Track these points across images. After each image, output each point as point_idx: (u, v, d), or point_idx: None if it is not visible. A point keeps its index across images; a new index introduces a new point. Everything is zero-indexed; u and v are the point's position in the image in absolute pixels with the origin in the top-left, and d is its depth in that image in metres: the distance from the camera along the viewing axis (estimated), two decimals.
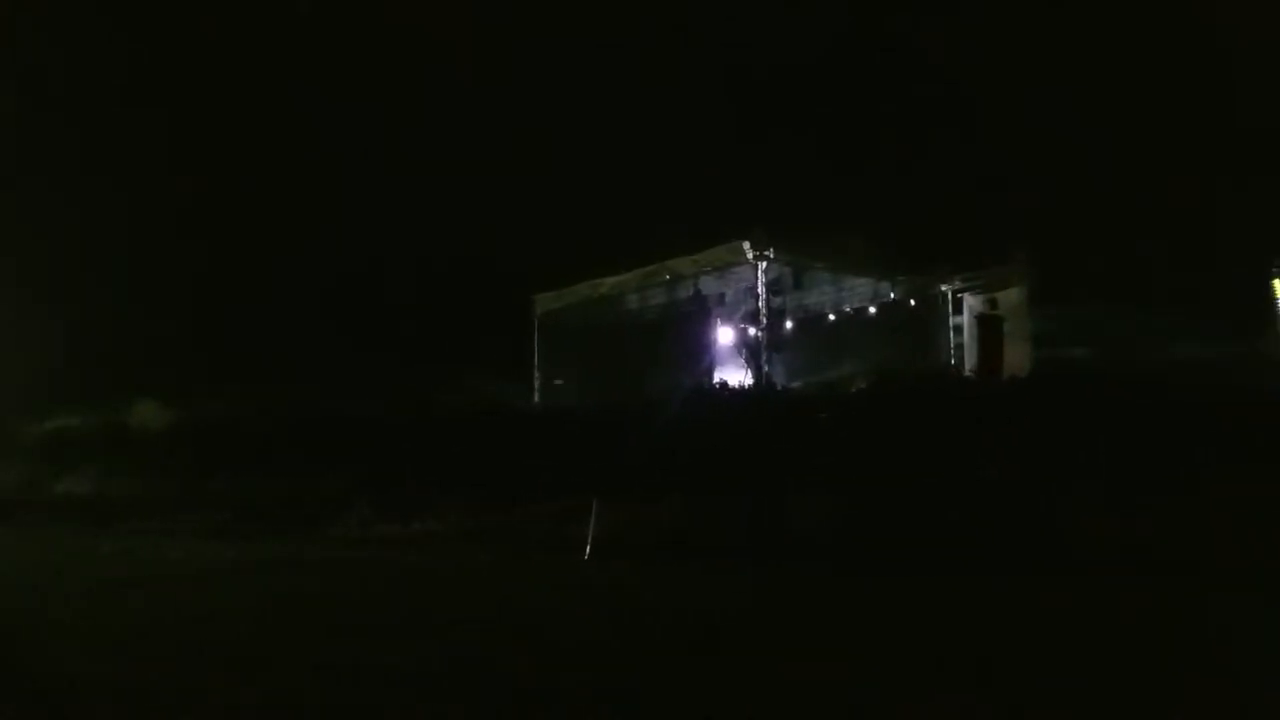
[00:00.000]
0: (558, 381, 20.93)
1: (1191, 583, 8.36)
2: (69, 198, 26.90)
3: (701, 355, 19.21)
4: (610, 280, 19.95)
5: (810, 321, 20.07)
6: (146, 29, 28.12)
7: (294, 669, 6.11)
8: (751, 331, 18.57)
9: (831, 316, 20.23)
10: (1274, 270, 15.97)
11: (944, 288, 19.71)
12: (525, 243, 25.03)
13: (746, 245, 17.53)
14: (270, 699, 5.39)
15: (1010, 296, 19.07)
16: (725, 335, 19.80)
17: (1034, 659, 6.06)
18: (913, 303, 19.78)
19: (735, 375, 18.53)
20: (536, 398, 21.03)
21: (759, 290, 17.75)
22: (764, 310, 17.77)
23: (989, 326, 19.22)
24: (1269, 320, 15.84)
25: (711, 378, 18.44)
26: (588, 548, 12.51)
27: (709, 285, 19.49)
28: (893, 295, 19.85)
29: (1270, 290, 15.88)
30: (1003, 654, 6.21)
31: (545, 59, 27.77)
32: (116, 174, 27.85)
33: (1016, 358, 18.56)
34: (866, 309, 19.96)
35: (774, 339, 18.19)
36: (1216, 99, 21.13)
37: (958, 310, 19.82)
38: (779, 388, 17.07)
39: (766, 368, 17.75)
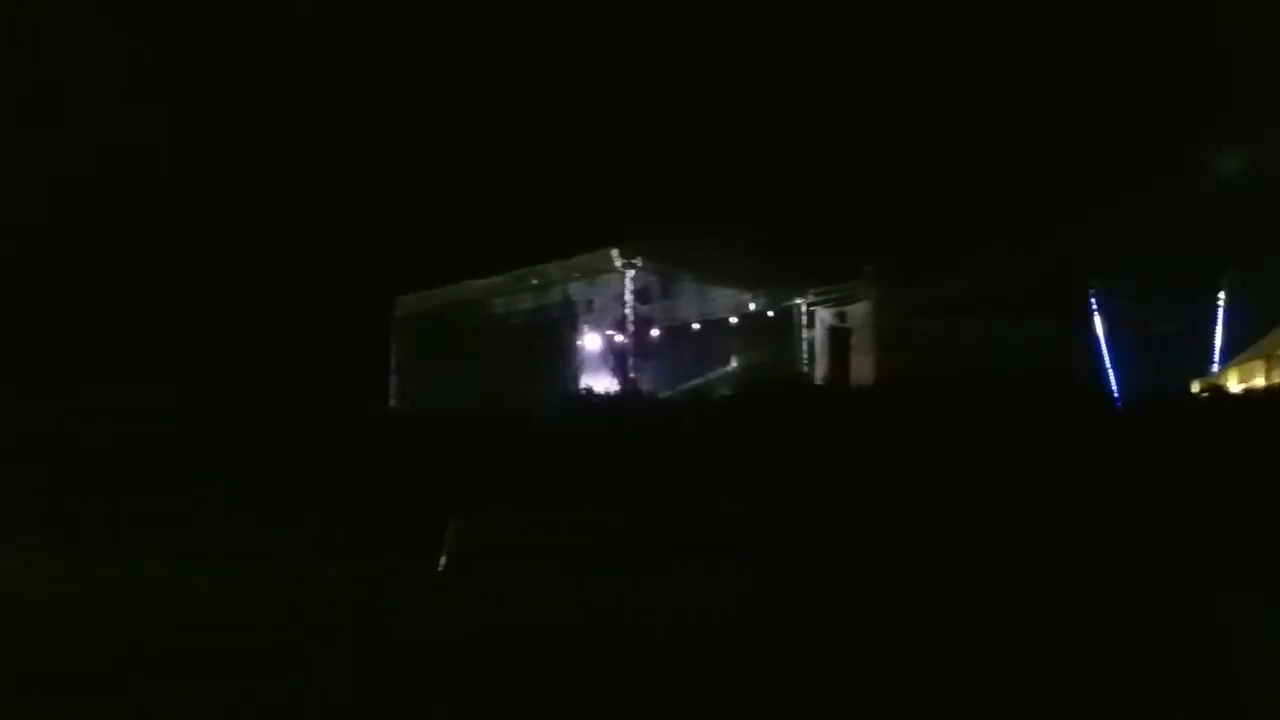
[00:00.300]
0: (417, 386, 20.45)
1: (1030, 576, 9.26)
2: None
3: (569, 361, 19.36)
4: (478, 283, 19.76)
5: (676, 330, 20.62)
6: None
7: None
8: (618, 339, 18.91)
9: (696, 325, 20.89)
10: (1093, 287, 18.04)
11: (799, 301, 20.80)
12: (388, 244, 24.25)
13: (615, 253, 17.87)
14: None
15: (858, 310, 20.44)
16: (593, 342, 20.03)
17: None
18: (771, 314, 20.75)
19: (602, 382, 18.80)
20: (392, 403, 20.47)
21: (626, 298, 18.11)
22: (631, 318, 18.15)
23: (838, 338, 20.53)
24: (1089, 332, 17.91)
25: (578, 384, 18.63)
26: (443, 559, 12.37)
27: (578, 292, 19.67)
28: (753, 307, 20.73)
29: (1091, 303, 17.99)
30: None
31: (410, 56, 27.03)
32: None
33: (863, 368, 19.92)
34: (729, 319, 20.74)
35: (640, 347, 18.59)
36: (1048, 122, 23.30)
37: (811, 322, 20.98)
38: (645, 395, 17.47)
39: (633, 375, 18.13)
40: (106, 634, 7.55)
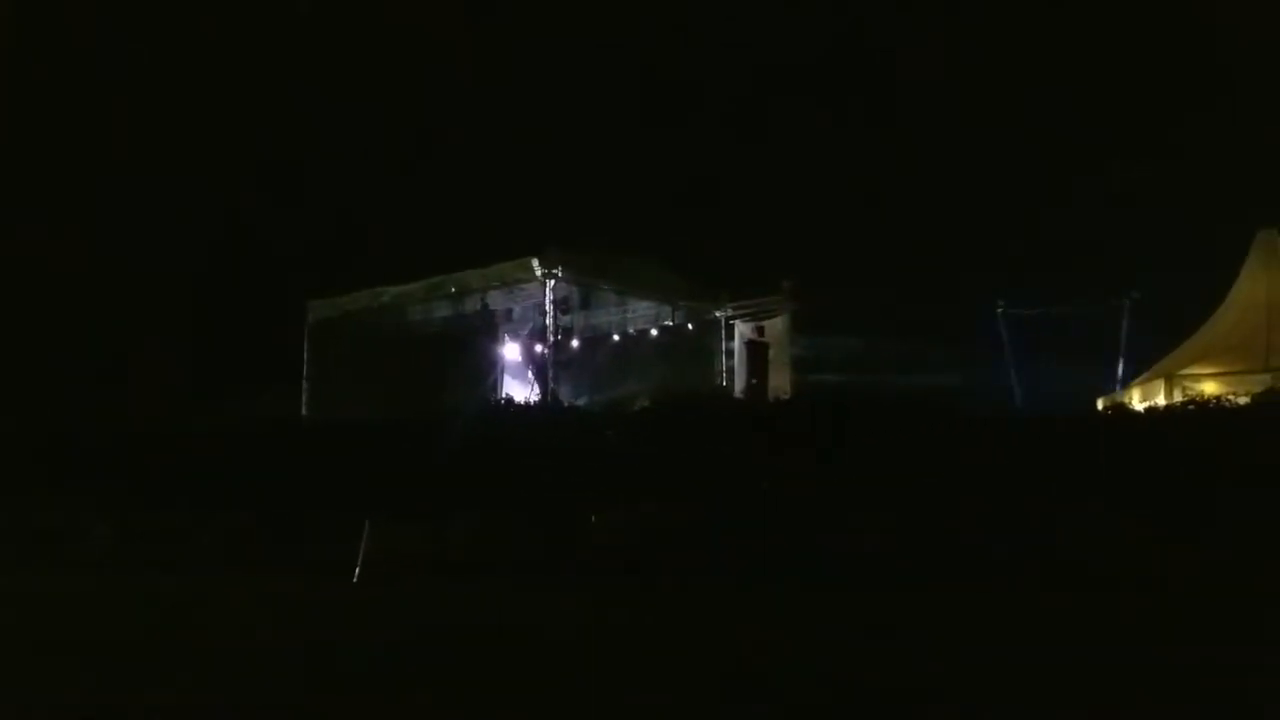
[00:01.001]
0: (330, 393, 19.79)
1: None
2: None
3: (488, 370, 19.04)
4: (393, 289, 19.30)
5: (596, 341, 20.54)
6: None
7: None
8: (538, 348, 18.70)
9: (616, 337, 20.85)
10: (999, 308, 18.77)
11: (719, 314, 21.02)
12: (300, 248, 23.50)
13: (535, 262, 17.70)
14: None
15: (776, 325, 20.78)
16: (512, 351, 19.77)
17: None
18: (690, 327, 20.90)
19: (521, 391, 18.54)
20: (304, 410, 19.77)
21: (546, 307, 17.94)
22: (551, 328, 17.98)
23: (756, 352, 20.82)
24: (996, 351, 18.62)
25: (497, 393, 18.32)
26: (357, 570, 11.99)
27: (497, 300, 19.40)
28: (673, 319, 20.84)
29: (998, 324, 18.72)
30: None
31: (331, 55, 26.40)
32: None
33: (780, 380, 20.23)
34: (649, 331, 20.79)
35: (560, 357, 18.43)
36: (961, 141, 24.35)
37: (730, 336, 21.22)
38: (565, 405, 17.30)
39: (553, 385, 17.94)
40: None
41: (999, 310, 19.14)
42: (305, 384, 20.36)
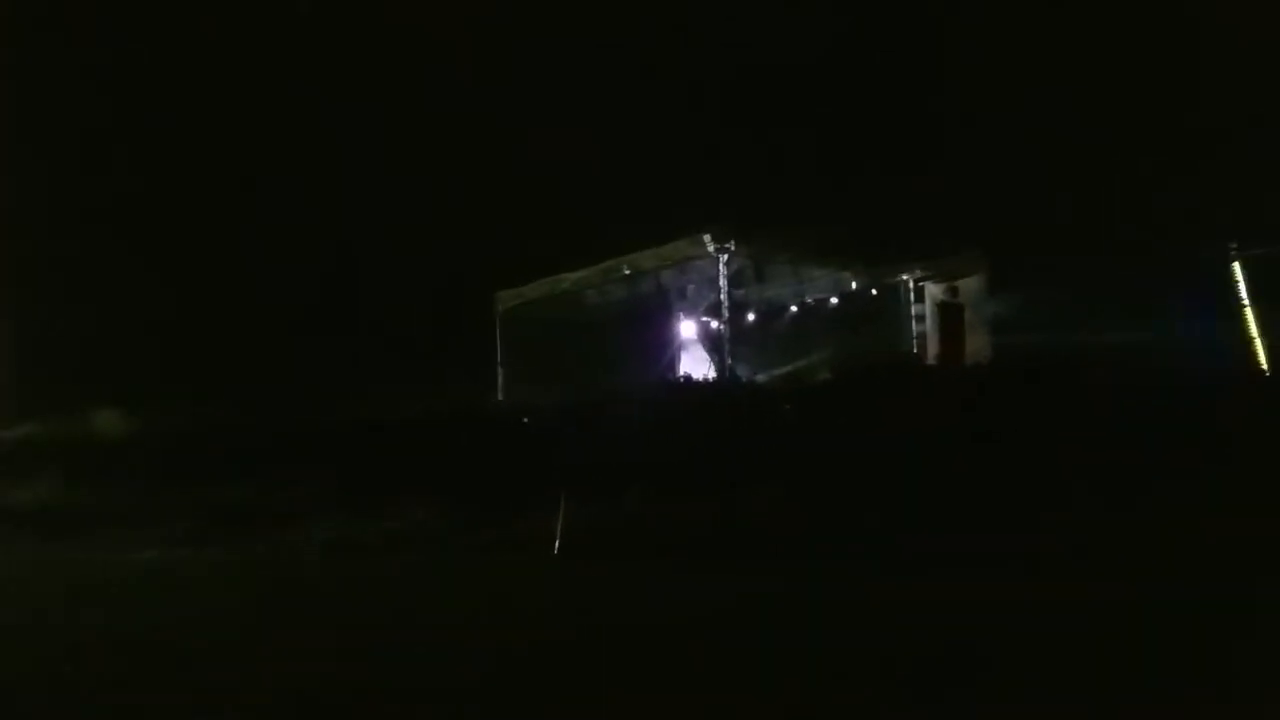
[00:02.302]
0: (520, 379, 20.67)
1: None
2: (23, 200, 25.96)
3: (664, 350, 19.09)
4: (571, 276, 19.73)
5: (773, 314, 20.02)
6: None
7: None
8: (714, 325, 18.46)
9: (794, 308, 20.20)
10: (1232, 252, 16.13)
11: (905, 277, 19.78)
12: (486, 240, 24.64)
13: (708, 238, 17.41)
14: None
15: (970, 284, 19.25)
16: (688, 329, 19.69)
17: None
18: (874, 292, 19.83)
19: (698, 369, 18.43)
20: (500, 396, 20.75)
21: (721, 283, 17.63)
22: (726, 303, 17.66)
23: (949, 315, 19.40)
24: (1230, 303, 16.01)
25: (674, 372, 18.33)
26: (556, 544, 12.32)
27: (671, 279, 19.36)
28: (854, 286, 19.86)
29: (1230, 273, 16.04)
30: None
31: (499, 53, 27.38)
32: (69, 175, 26.98)
33: (978, 344, 18.74)
34: (829, 300, 19.95)
35: (736, 332, 18.10)
36: (1168, 85, 21.39)
37: (919, 299, 19.92)
38: (743, 381, 16.98)
39: (729, 361, 17.65)
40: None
41: (1233, 255, 16.35)
42: (500, 370, 21.34)
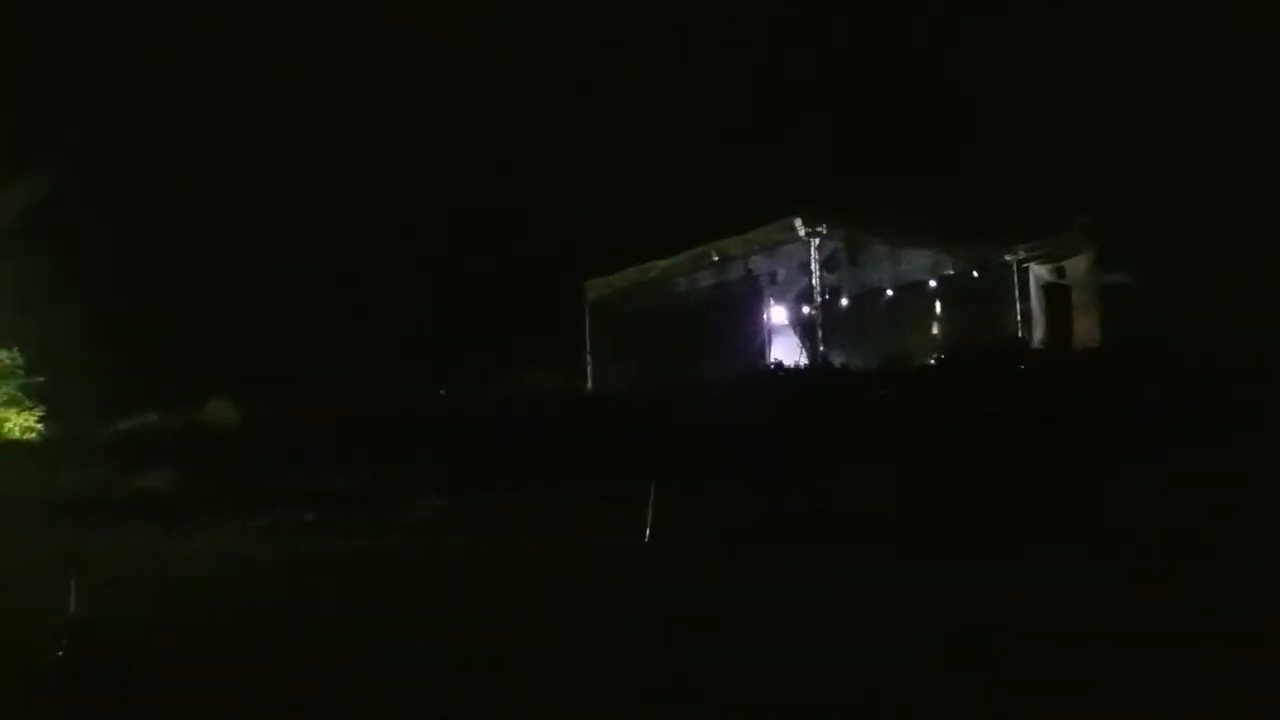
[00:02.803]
0: (611, 367, 20.73)
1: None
2: (133, 201, 27.65)
3: (754, 336, 18.81)
4: (660, 263, 19.64)
5: (867, 298, 19.45)
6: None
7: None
8: (805, 310, 18.09)
9: (889, 292, 19.57)
10: None
11: (1008, 258, 18.91)
12: (574, 229, 24.86)
13: (798, 222, 17.02)
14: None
15: (1077, 265, 18.25)
16: (778, 315, 19.35)
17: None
18: (975, 274, 19.02)
19: (790, 355, 18.10)
20: (589, 384, 20.89)
21: (812, 268, 17.24)
22: (818, 288, 17.27)
23: (1056, 296, 18.44)
24: None
25: (765, 358, 18.05)
26: (647, 531, 12.32)
27: (760, 265, 19.03)
28: (954, 268, 19.09)
29: None
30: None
31: (588, 42, 27.49)
32: (174, 177, 28.55)
33: (1086, 328, 17.77)
34: (926, 283, 19.24)
35: (829, 318, 17.68)
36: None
37: (1023, 281, 19.02)
38: (836, 366, 16.59)
39: (822, 347, 17.27)
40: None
41: None
42: (589, 359, 21.49)
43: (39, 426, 23.61)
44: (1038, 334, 18.45)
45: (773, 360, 17.69)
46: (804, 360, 17.33)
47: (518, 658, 5.91)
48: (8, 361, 23.07)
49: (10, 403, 23.15)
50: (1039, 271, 18.78)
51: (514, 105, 27.31)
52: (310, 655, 6.35)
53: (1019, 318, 18.87)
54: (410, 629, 7.00)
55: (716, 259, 18.80)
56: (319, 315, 27.22)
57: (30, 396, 23.76)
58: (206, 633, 7.23)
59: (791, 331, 18.94)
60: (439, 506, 15.43)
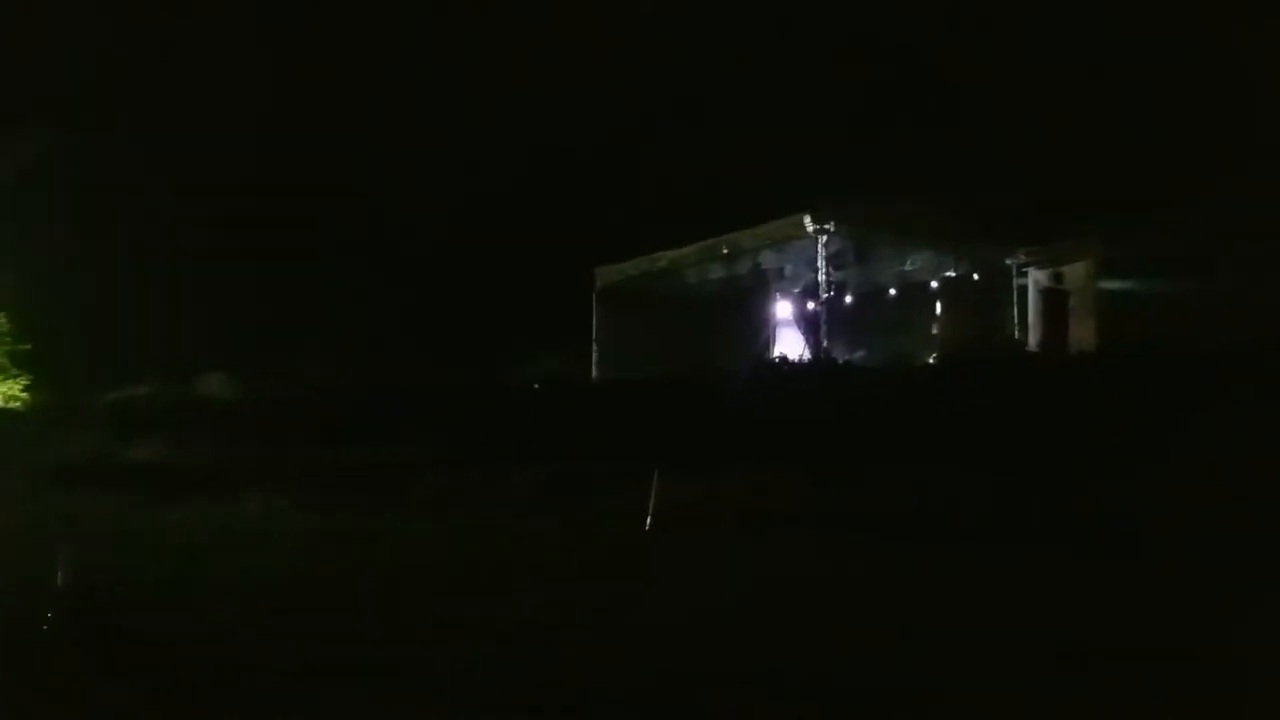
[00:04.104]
0: (616, 355, 21.05)
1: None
2: (133, 169, 27.62)
3: (760, 330, 19.20)
4: (669, 254, 19.98)
5: (872, 295, 19.88)
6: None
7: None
8: (811, 306, 18.52)
9: (893, 290, 20.00)
10: None
11: (1009, 261, 19.39)
12: (585, 217, 25.15)
13: (807, 219, 17.42)
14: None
15: (1076, 271, 18.73)
16: (785, 309, 19.73)
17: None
18: (976, 277, 19.50)
19: (794, 350, 18.52)
20: (593, 371, 21.22)
21: (819, 264, 17.66)
22: (824, 284, 17.69)
23: (1053, 301, 18.92)
24: None
25: (770, 352, 18.46)
26: (649, 519, 12.72)
27: (769, 259, 19.40)
28: (956, 269, 19.57)
29: None
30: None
31: (604, 34, 27.72)
32: (184, 148, 28.63)
33: (1082, 332, 18.25)
34: (929, 283, 19.70)
35: (833, 314, 18.12)
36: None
37: (1022, 285, 19.51)
38: (839, 362, 17.03)
39: (826, 342, 17.71)
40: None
41: None
42: (595, 346, 21.80)
43: (24, 395, 23.23)
44: (1034, 337, 18.93)
45: (778, 354, 18.09)
46: (808, 355, 17.77)
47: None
48: None
49: None
50: (1038, 276, 19.27)
51: (529, 91, 27.52)
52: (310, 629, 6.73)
53: (1016, 321, 19.38)
54: (386, 605, 7.46)
55: (726, 252, 19.18)
56: (323, 295, 27.36)
57: (17, 364, 23.36)
58: (195, 601, 7.60)
59: (797, 326, 19.34)
60: (443, 487, 15.68)
